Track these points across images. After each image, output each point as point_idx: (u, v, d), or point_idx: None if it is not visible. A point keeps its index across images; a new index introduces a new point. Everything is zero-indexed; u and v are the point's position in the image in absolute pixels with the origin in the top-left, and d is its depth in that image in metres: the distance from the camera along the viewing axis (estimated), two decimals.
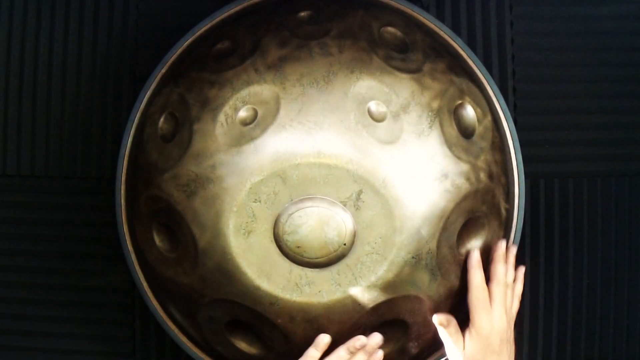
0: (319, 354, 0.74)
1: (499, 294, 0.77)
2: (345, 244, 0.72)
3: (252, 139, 0.71)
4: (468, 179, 0.75)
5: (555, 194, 0.93)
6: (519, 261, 0.83)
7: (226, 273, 0.73)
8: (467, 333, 0.77)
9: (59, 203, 0.95)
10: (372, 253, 0.72)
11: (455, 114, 0.77)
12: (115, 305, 0.94)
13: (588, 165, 0.93)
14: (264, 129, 0.71)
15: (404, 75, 0.74)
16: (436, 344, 0.82)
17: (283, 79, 0.72)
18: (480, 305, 0.76)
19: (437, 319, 0.77)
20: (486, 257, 0.79)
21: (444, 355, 0.82)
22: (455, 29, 0.93)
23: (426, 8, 0.92)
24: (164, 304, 0.83)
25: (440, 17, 0.93)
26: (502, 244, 0.79)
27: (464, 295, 0.77)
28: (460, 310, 0.81)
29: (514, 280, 0.81)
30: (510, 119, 0.85)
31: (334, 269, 0.73)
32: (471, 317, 0.76)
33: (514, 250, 0.82)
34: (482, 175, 0.76)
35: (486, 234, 0.79)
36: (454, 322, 0.77)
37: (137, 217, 0.81)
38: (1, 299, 0.95)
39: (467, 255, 0.77)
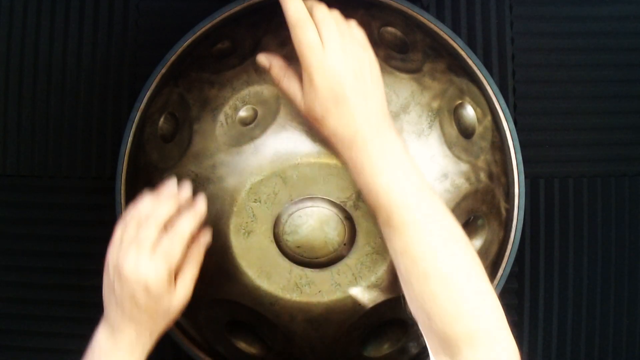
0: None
1: (324, 21, 0.61)
2: (345, 244, 0.72)
3: (252, 139, 0.71)
4: (468, 179, 0.75)
5: (555, 194, 0.93)
6: (519, 261, 0.83)
7: (226, 273, 0.73)
8: (303, 83, 0.62)
9: (59, 203, 0.95)
10: (372, 253, 0.72)
11: (455, 114, 0.77)
12: None
13: (588, 166, 0.93)
14: (264, 129, 0.71)
15: (404, 75, 0.74)
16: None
17: None
18: (304, 38, 0.60)
19: (258, 61, 0.65)
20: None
21: None
22: (455, 29, 0.93)
23: (426, 8, 0.92)
24: None
25: (440, 17, 0.93)
26: None
27: None
28: None
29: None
30: (510, 119, 0.85)
31: (334, 269, 0.73)
32: (302, 66, 0.61)
33: (334, 10, 0.64)
34: (482, 175, 0.76)
35: (486, 234, 0.79)
36: (279, 62, 0.64)
37: None
38: (1, 299, 0.95)
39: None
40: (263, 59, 0.66)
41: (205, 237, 0.67)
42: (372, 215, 0.62)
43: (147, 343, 0.65)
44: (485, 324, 0.58)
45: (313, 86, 0.60)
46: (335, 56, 0.60)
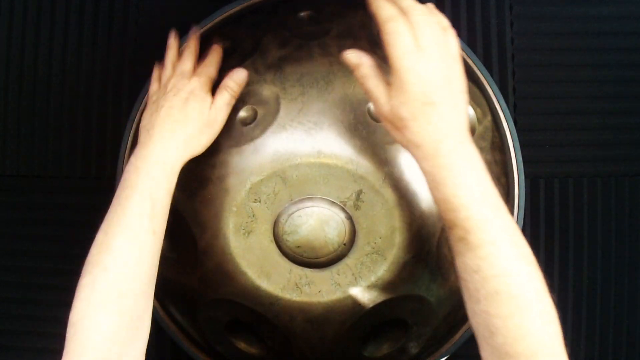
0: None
1: (420, 24, 0.59)
2: (345, 244, 0.72)
3: (252, 139, 0.71)
4: None
5: (555, 194, 0.93)
6: None
7: (226, 273, 0.73)
8: (391, 85, 0.60)
9: (59, 203, 0.95)
10: (372, 253, 0.72)
11: None
12: None
13: (588, 166, 0.93)
14: (264, 129, 0.71)
15: None
16: (436, 344, 0.82)
17: (283, 79, 0.72)
18: (399, 39, 0.58)
19: (346, 58, 0.64)
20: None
21: (444, 355, 0.82)
22: (455, 29, 0.93)
23: None
24: (164, 304, 0.83)
25: None
26: None
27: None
28: (459, 312, 0.81)
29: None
30: (510, 119, 0.85)
31: (334, 269, 0.73)
32: (391, 66, 0.59)
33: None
34: None
35: None
36: (368, 61, 0.63)
37: None
38: (1, 299, 0.95)
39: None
40: (353, 56, 0.63)
41: (242, 72, 0.72)
42: (445, 226, 0.61)
43: (187, 148, 0.68)
44: (548, 344, 0.58)
45: (403, 89, 0.59)
46: (430, 62, 0.59)
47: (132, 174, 0.65)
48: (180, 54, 0.75)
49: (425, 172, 0.60)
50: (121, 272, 0.61)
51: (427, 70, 0.58)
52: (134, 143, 0.83)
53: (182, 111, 0.68)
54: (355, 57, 0.63)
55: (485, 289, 0.58)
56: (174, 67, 0.73)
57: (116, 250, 0.62)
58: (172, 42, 0.76)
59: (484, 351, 0.60)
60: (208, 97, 0.70)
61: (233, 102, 0.71)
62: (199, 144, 0.69)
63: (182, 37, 0.83)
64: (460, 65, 0.61)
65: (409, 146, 0.61)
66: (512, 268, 0.58)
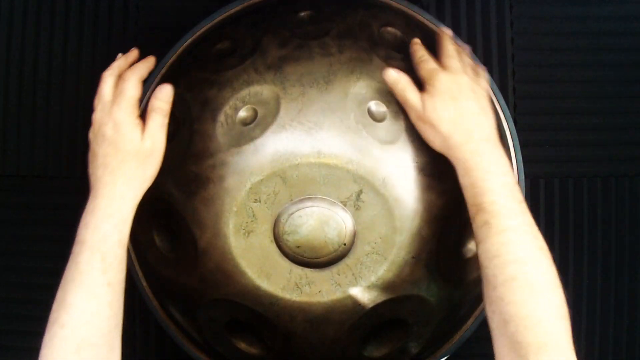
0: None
1: (452, 61, 0.70)
2: (345, 244, 0.72)
3: (252, 139, 0.71)
4: None
5: (555, 194, 0.93)
6: None
7: (226, 273, 0.73)
8: (423, 92, 0.69)
9: (58, 203, 0.95)
10: (372, 253, 0.72)
11: None
12: None
13: (588, 166, 0.93)
14: (264, 129, 0.71)
15: None
16: (436, 344, 0.82)
17: (283, 79, 0.72)
18: (429, 67, 0.69)
19: (387, 75, 0.70)
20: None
21: (444, 355, 0.83)
22: (455, 29, 0.93)
23: (426, 8, 0.92)
24: (164, 304, 0.83)
25: (440, 17, 0.93)
26: (447, 30, 0.75)
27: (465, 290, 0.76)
28: (459, 311, 0.81)
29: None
30: (510, 119, 0.85)
31: (334, 269, 0.73)
32: (424, 81, 0.69)
33: (468, 48, 0.77)
34: None
35: None
36: (405, 76, 0.70)
37: (137, 217, 0.81)
38: (1, 299, 0.95)
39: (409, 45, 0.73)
40: (393, 74, 0.70)
41: (167, 88, 0.71)
42: (470, 214, 0.66)
43: (136, 191, 0.68)
44: (557, 338, 0.59)
45: (435, 88, 0.68)
46: (456, 71, 0.69)
47: (82, 229, 0.67)
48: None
49: (458, 161, 0.67)
50: (77, 327, 0.63)
51: (450, 77, 0.69)
52: None
53: (115, 157, 0.67)
54: (395, 74, 0.70)
55: (503, 275, 0.61)
56: (99, 98, 0.70)
57: (71, 306, 0.64)
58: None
59: (497, 342, 0.61)
60: (136, 127, 0.68)
61: (166, 121, 0.69)
62: (144, 180, 0.69)
63: (182, 37, 0.83)
64: (484, 82, 0.72)
65: (444, 139, 0.67)
66: (530, 257, 0.61)
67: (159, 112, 0.70)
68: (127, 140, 0.67)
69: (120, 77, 0.70)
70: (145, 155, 0.68)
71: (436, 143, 0.69)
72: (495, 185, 0.64)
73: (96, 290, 0.64)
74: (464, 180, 0.66)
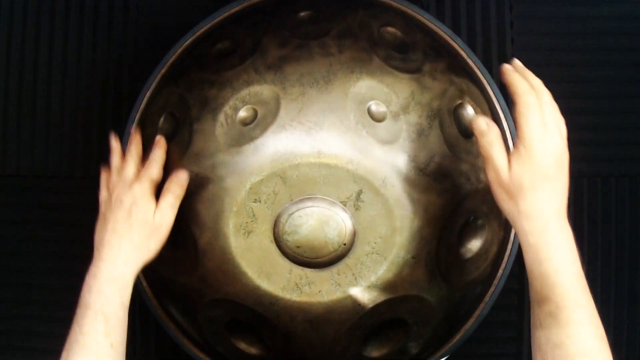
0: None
1: (547, 104, 0.64)
2: (345, 244, 0.72)
3: (252, 139, 0.71)
4: (468, 179, 0.75)
5: None
6: (519, 262, 0.83)
7: (226, 273, 0.73)
8: (514, 150, 0.64)
9: (59, 203, 0.95)
10: (372, 253, 0.72)
11: (455, 114, 0.77)
12: None
13: (588, 166, 0.93)
14: (264, 129, 0.71)
15: (404, 75, 0.74)
16: (436, 344, 0.82)
17: (283, 79, 0.72)
18: (532, 113, 0.62)
19: (476, 124, 0.65)
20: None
21: (444, 355, 0.82)
22: (455, 29, 0.93)
23: (426, 8, 0.92)
24: (164, 304, 0.83)
25: (440, 17, 0.93)
26: (518, 61, 0.68)
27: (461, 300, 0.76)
28: (459, 311, 0.81)
29: None
30: (511, 119, 0.85)
31: (334, 269, 0.73)
32: (519, 131, 0.63)
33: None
34: (482, 175, 0.76)
35: (486, 234, 0.79)
36: (496, 129, 0.65)
37: None
38: (1, 299, 0.95)
39: (500, 69, 0.67)
40: (483, 123, 0.65)
41: (183, 174, 0.73)
42: (533, 297, 0.63)
43: (138, 260, 0.70)
44: None
45: (530, 158, 0.62)
46: (553, 140, 0.63)
47: (85, 292, 0.68)
48: (127, 153, 0.76)
49: (529, 246, 0.63)
50: None
51: (551, 146, 0.63)
52: None
53: (126, 223, 0.70)
54: (484, 125, 0.65)
55: None
56: (119, 173, 0.74)
57: None
58: (115, 145, 0.77)
59: None
60: (151, 202, 0.72)
61: (178, 203, 0.72)
62: (148, 252, 0.71)
63: (182, 37, 0.83)
64: (566, 148, 0.66)
65: (520, 217, 0.63)
66: (593, 348, 0.61)
67: (172, 193, 0.72)
68: (140, 211, 0.71)
69: (145, 162, 0.74)
70: (153, 228, 0.71)
71: (508, 212, 0.65)
72: (566, 278, 0.62)
73: (100, 351, 0.65)
74: (533, 267, 0.63)
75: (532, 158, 0.62)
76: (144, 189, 0.72)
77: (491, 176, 0.65)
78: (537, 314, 0.63)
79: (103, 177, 0.76)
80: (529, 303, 0.92)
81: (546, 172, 0.62)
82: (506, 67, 0.66)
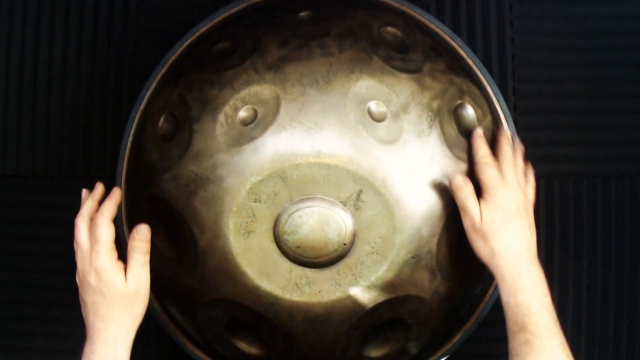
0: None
1: (509, 170, 0.74)
2: (345, 244, 0.72)
3: (252, 139, 0.71)
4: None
5: (555, 194, 0.93)
6: None
7: (226, 273, 0.73)
8: (482, 202, 0.72)
9: (59, 203, 0.95)
10: (372, 253, 0.72)
11: (455, 114, 0.77)
12: None
13: (588, 165, 0.93)
14: (264, 129, 0.71)
15: (404, 75, 0.74)
16: (436, 344, 0.82)
17: (283, 79, 0.72)
18: (492, 177, 0.72)
19: (454, 181, 0.72)
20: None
21: (444, 355, 0.82)
22: (455, 29, 0.93)
23: (426, 8, 0.92)
24: (164, 304, 0.83)
25: (440, 17, 0.93)
26: (506, 129, 0.77)
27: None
28: (459, 311, 0.81)
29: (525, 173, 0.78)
30: (510, 119, 0.85)
31: (334, 269, 0.73)
32: (484, 190, 0.73)
33: (521, 146, 0.79)
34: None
35: None
36: (471, 185, 0.73)
37: (137, 218, 0.81)
38: (1, 299, 0.95)
39: (471, 134, 0.75)
40: (460, 181, 0.72)
41: (143, 228, 0.71)
42: (509, 329, 0.70)
43: (128, 332, 0.70)
44: None
45: (495, 203, 0.71)
46: (514, 189, 0.73)
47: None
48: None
49: (504, 280, 0.71)
50: None
51: (510, 194, 0.72)
52: (134, 143, 0.83)
53: (103, 303, 0.69)
54: (462, 181, 0.72)
55: None
56: (78, 245, 0.71)
57: None
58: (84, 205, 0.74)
59: None
60: (117, 270, 0.69)
61: (148, 258, 0.71)
62: (134, 319, 0.71)
63: (182, 37, 0.83)
64: (532, 188, 0.78)
65: (493, 255, 0.71)
66: None
67: (139, 251, 0.71)
68: (111, 286, 0.69)
69: (92, 222, 0.71)
70: (131, 296, 0.70)
71: (483, 254, 0.72)
72: (539, 307, 0.69)
73: None
74: (509, 299, 0.70)
75: (497, 204, 0.71)
76: (103, 259, 0.69)
77: (467, 224, 0.72)
78: (513, 344, 0.69)
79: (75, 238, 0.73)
80: None
81: (511, 215, 0.71)
82: (477, 132, 0.75)
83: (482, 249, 0.72)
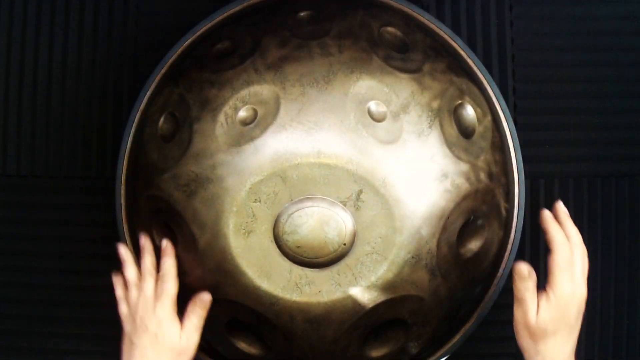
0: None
1: (579, 258, 0.70)
2: (345, 244, 0.72)
3: (252, 139, 0.71)
4: (468, 179, 0.75)
5: (555, 194, 0.93)
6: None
7: (226, 273, 0.73)
8: (544, 295, 0.69)
9: (59, 203, 0.95)
10: (372, 253, 0.72)
11: (455, 114, 0.77)
12: (115, 305, 0.94)
13: (588, 165, 0.93)
14: (264, 129, 0.71)
15: (404, 75, 0.74)
16: (436, 344, 0.82)
17: (283, 79, 0.72)
18: (565, 266, 0.69)
19: (518, 269, 0.69)
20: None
21: (444, 355, 0.82)
22: (455, 29, 0.93)
23: (426, 8, 0.92)
24: None
25: (440, 17, 0.93)
26: (561, 204, 0.74)
27: (461, 295, 0.76)
28: (459, 311, 0.81)
29: None
30: (510, 119, 0.85)
31: (334, 269, 0.73)
32: (551, 279, 0.69)
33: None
34: (482, 175, 0.76)
35: (486, 234, 0.79)
36: (534, 277, 0.70)
37: (137, 217, 0.81)
38: (1, 299, 0.95)
39: (540, 214, 0.72)
40: (525, 268, 0.69)
41: (206, 296, 0.74)
42: None
43: None
44: None
45: (557, 306, 0.68)
46: (582, 290, 0.70)
47: None
48: (143, 262, 0.75)
49: None
50: None
51: (576, 299, 0.69)
52: (134, 143, 0.83)
53: (154, 350, 0.71)
54: (526, 271, 0.70)
55: None
56: (138, 288, 0.74)
57: None
58: (126, 256, 0.76)
59: None
60: (176, 324, 0.72)
61: (202, 324, 0.73)
62: None
63: (182, 37, 0.83)
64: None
65: (536, 357, 0.69)
66: None
67: (196, 315, 0.73)
68: (167, 336, 0.71)
69: (159, 276, 0.74)
70: (180, 351, 0.72)
71: (526, 348, 0.70)
72: None
73: None
74: None
75: (559, 308, 0.68)
76: (167, 311, 0.72)
77: (518, 316, 0.70)
78: None
79: (118, 287, 0.76)
80: None
81: (569, 322, 0.69)
82: (546, 214, 0.71)
83: (525, 345, 0.71)
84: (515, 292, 0.70)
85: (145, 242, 0.76)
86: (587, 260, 0.73)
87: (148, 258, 0.75)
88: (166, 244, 0.75)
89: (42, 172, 0.95)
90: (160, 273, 0.74)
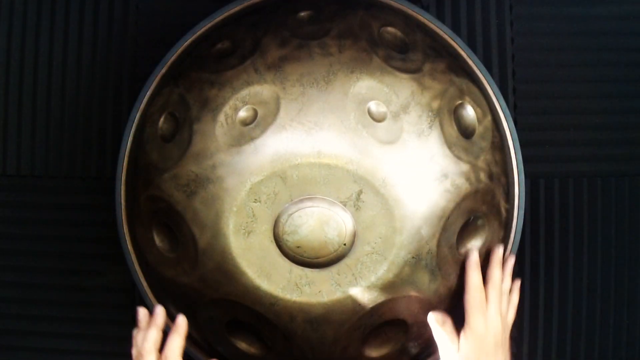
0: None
1: (494, 297, 0.77)
2: (345, 244, 0.72)
3: (252, 139, 0.71)
4: (468, 179, 0.75)
5: (555, 194, 0.93)
6: (519, 261, 0.83)
7: (226, 273, 0.73)
8: (462, 333, 0.76)
9: (59, 203, 0.95)
10: (372, 253, 0.72)
11: (455, 114, 0.77)
12: (115, 305, 0.94)
13: (588, 165, 0.93)
14: (264, 129, 0.71)
15: (404, 75, 0.74)
16: (436, 344, 0.82)
17: (283, 79, 0.72)
18: (477, 306, 0.75)
19: (433, 317, 0.76)
20: (484, 260, 0.78)
21: None
22: (455, 29, 0.93)
23: (426, 8, 0.92)
24: (164, 304, 0.83)
25: (440, 17, 0.93)
26: (500, 249, 0.79)
27: (462, 295, 0.77)
28: (458, 310, 0.81)
29: (510, 291, 0.80)
30: (510, 119, 0.85)
31: (334, 269, 0.73)
32: (467, 317, 0.76)
33: (511, 260, 0.81)
34: (482, 175, 0.76)
35: (486, 234, 0.79)
36: (449, 321, 0.76)
37: (137, 217, 0.81)
38: (1, 299, 0.95)
39: (466, 255, 0.77)
40: (440, 316, 0.76)
41: (180, 319, 0.75)
42: None
43: None
44: None
45: (474, 339, 0.75)
46: (495, 324, 0.76)
47: None
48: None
49: None
50: None
51: (491, 331, 0.75)
52: (134, 143, 0.83)
53: None
54: (442, 317, 0.76)
55: None
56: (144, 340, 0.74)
57: None
58: (141, 324, 0.76)
59: None
60: None
61: (182, 351, 0.73)
62: None
63: (182, 37, 0.83)
64: (508, 332, 0.79)
65: None
66: None
67: (176, 344, 0.73)
68: None
69: (162, 357, 0.73)
70: None
71: None
72: None
73: None
74: None
75: (476, 342, 0.75)
76: None
77: (444, 355, 0.76)
78: None
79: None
80: (529, 303, 0.93)
81: (488, 352, 0.75)
82: (472, 259, 0.76)
83: None
84: (436, 338, 0.76)
85: (159, 313, 0.76)
86: (515, 295, 0.80)
87: (153, 334, 0.74)
88: (181, 320, 0.75)
89: (42, 172, 0.95)
90: (164, 355, 0.73)
